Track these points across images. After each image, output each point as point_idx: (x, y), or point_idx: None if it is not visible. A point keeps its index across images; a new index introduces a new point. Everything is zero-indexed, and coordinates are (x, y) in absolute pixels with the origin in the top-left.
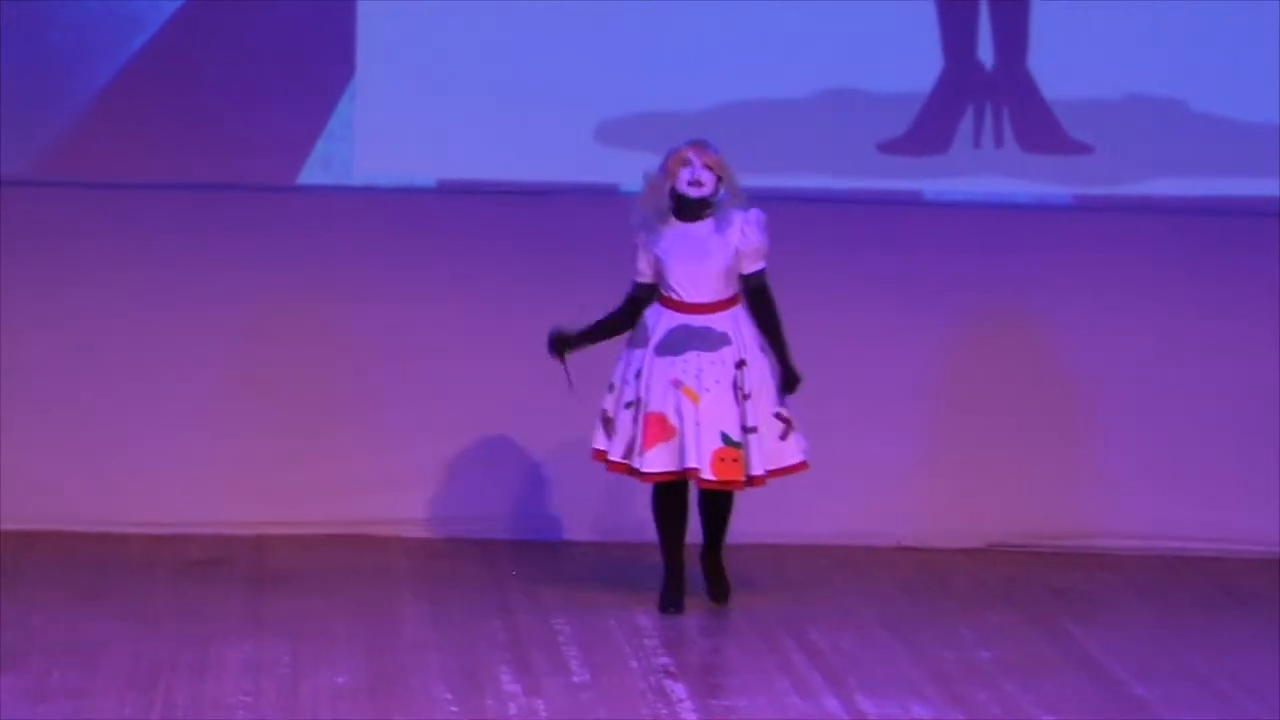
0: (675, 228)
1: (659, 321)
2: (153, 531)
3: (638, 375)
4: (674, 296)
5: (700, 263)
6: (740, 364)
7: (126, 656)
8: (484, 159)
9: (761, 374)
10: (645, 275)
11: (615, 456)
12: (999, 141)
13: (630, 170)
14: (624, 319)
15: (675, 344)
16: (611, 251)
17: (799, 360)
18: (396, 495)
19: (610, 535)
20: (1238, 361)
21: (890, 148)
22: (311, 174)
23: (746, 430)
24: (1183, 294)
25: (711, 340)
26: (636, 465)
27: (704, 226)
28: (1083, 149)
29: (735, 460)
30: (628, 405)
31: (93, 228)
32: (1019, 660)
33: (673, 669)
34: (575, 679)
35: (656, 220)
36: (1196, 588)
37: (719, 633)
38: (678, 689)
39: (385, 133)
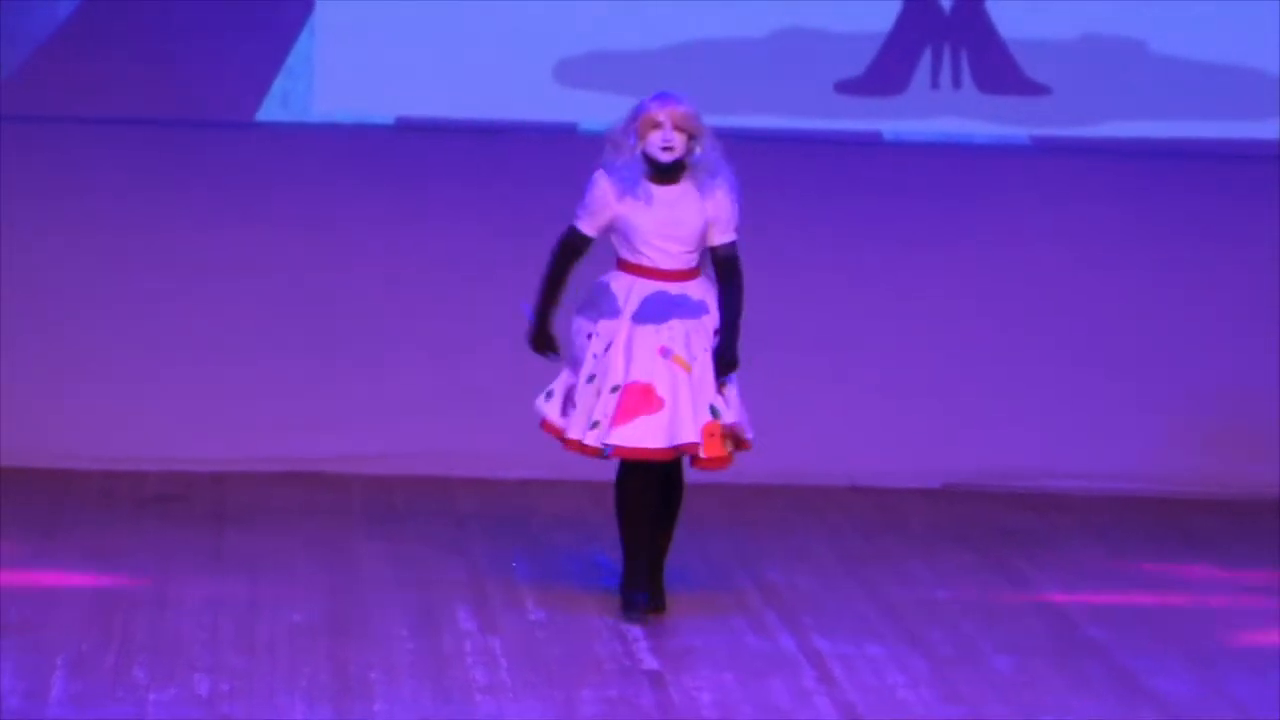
0: (646, 191)
1: (631, 290)
2: (110, 468)
3: (608, 348)
4: (644, 264)
5: (675, 229)
6: (718, 332)
7: (84, 593)
8: (443, 97)
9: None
10: (589, 229)
11: (574, 435)
12: (957, 82)
13: (588, 109)
14: (562, 266)
15: (655, 312)
16: (569, 189)
17: (760, 301)
18: (355, 432)
19: (569, 474)
20: (1191, 303)
21: (848, 88)
22: (270, 110)
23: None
24: (1139, 236)
25: (692, 307)
26: (604, 441)
27: (677, 190)
28: (1040, 90)
29: (716, 436)
30: (589, 379)
31: (47, 163)
32: (974, 600)
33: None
34: (531, 617)
35: (630, 189)
36: (1152, 529)
37: (675, 571)
38: (634, 629)
39: (344, 69)
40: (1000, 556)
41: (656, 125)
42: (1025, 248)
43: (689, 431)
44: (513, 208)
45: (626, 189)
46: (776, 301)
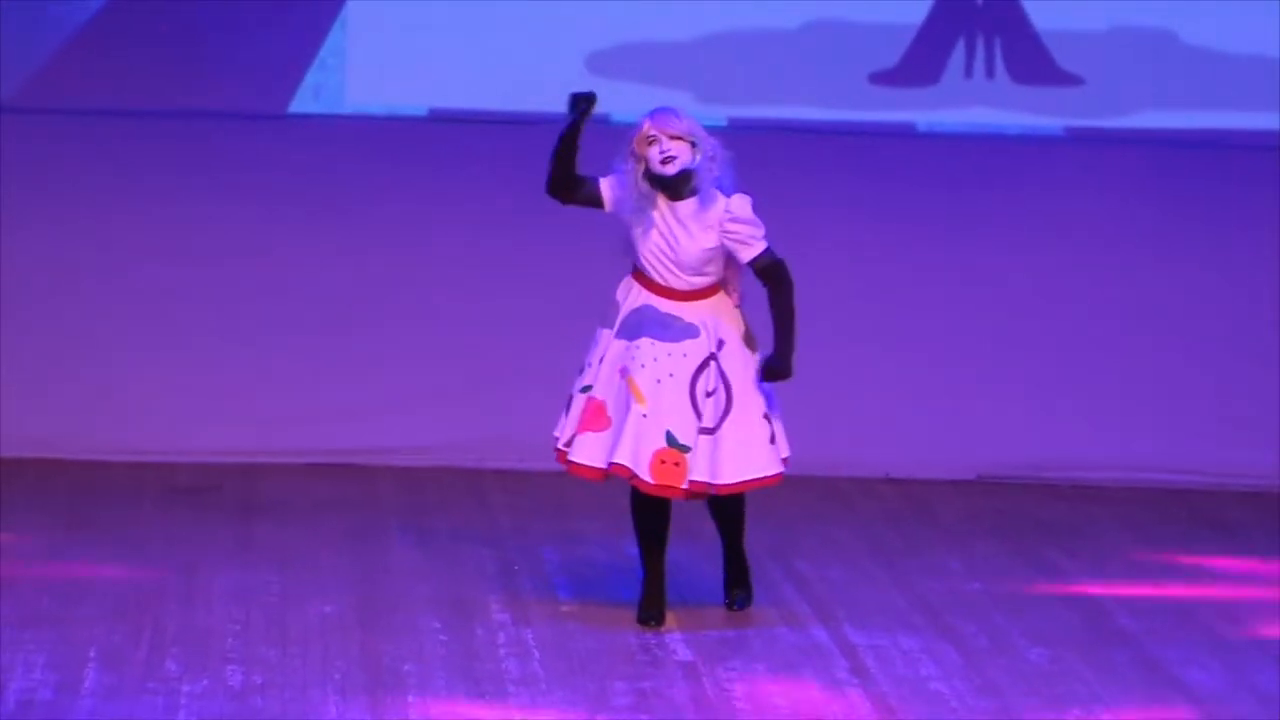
0: (649, 209)
1: (627, 298)
2: (140, 459)
3: (601, 360)
4: (647, 275)
5: (674, 246)
6: (708, 360)
7: (115, 585)
8: (475, 88)
9: (748, 370)
10: (604, 199)
11: (559, 443)
12: (990, 73)
13: (620, 100)
14: (568, 152)
15: (633, 327)
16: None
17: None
18: (385, 424)
19: None
20: (1228, 295)
21: (881, 79)
22: (302, 103)
23: (703, 431)
24: (1173, 226)
25: (673, 330)
26: (568, 454)
27: (687, 206)
28: (1074, 80)
29: (677, 465)
30: (584, 389)
31: (82, 155)
32: (1007, 592)
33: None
34: (564, 609)
35: (642, 208)
36: (1183, 520)
37: (708, 563)
38: (666, 619)
39: (377, 61)
40: (1032, 547)
41: (652, 140)
42: (1059, 238)
43: (624, 454)
44: (546, 199)
45: (624, 205)
46: (811, 292)
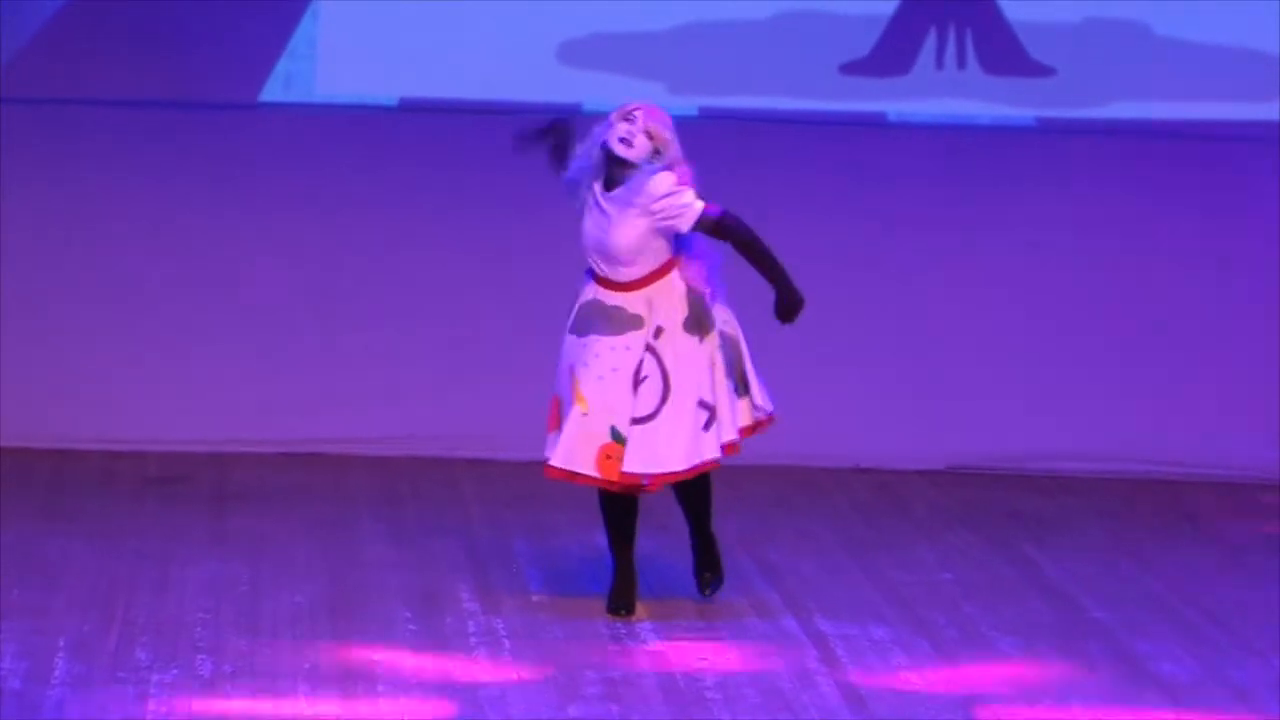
0: (595, 194)
1: (580, 295)
2: (112, 448)
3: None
4: (595, 270)
5: (607, 237)
6: (648, 347)
7: (87, 574)
8: (446, 78)
9: (689, 356)
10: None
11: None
12: (961, 63)
13: (592, 89)
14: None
15: (583, 323)
16: None
17: (764, 283)
18: (357, 414)
19: None
20: (1200, 286)
21: (852, 69)
22: (273, 92)
23: (635, 421)
24: (1145, 217)
25: (618, 322)
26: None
27: (614, 195)
28: (1045, 71)
29: (617, 460)
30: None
31: (49, 145)
32: (978, 583)
33: None
34: (534, 599)
35: (584, 179)
36: (1157, 511)
37: (678, 554)
38: (637, 609)
39: (347, 51)
40: (1004, 538)
41: (627, 118)
42: (1030, 228)
43: (559, 456)
44: (518, 188)
45: (574, 188)
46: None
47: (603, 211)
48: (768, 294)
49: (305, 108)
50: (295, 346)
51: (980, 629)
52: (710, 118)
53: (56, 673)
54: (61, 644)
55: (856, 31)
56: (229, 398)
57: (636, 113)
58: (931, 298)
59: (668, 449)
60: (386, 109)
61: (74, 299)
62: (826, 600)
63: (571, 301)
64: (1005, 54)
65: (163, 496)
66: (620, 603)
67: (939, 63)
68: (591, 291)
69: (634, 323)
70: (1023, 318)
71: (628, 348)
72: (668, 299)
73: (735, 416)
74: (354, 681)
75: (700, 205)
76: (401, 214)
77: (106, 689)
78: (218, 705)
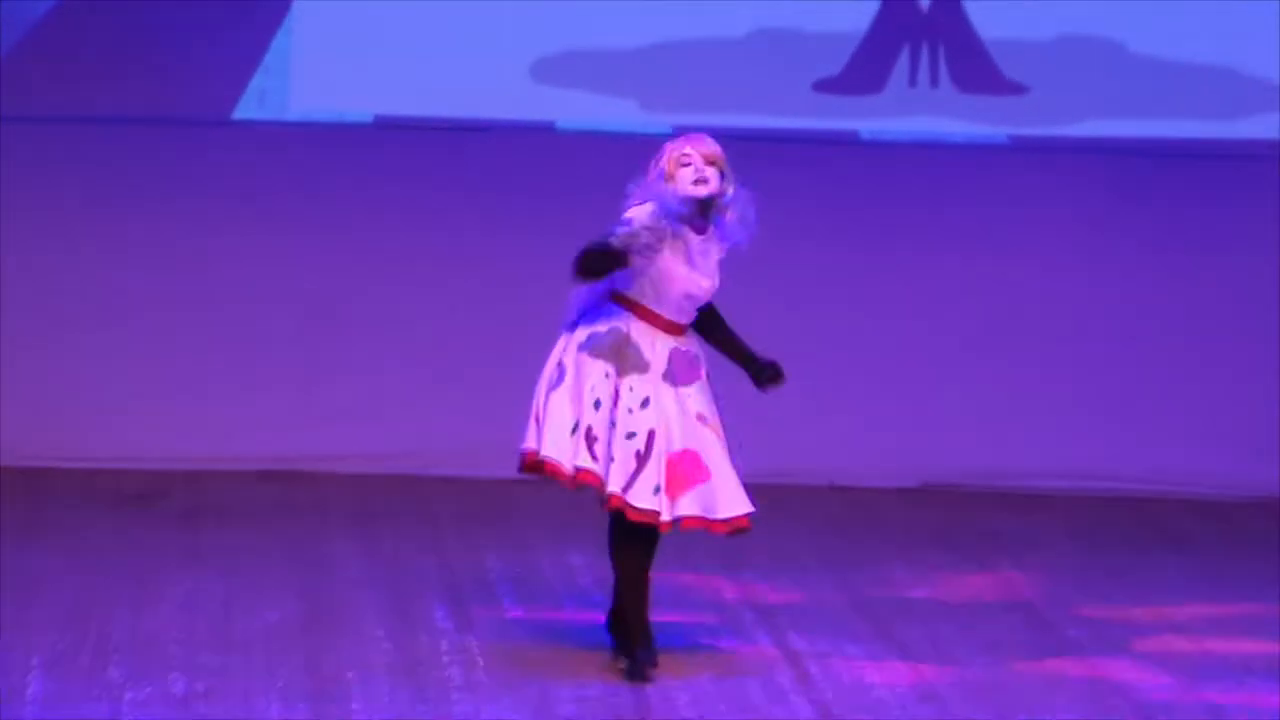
0: (687, 244)
1: (654, 345)
2: (88, 466)
3: (644, 404)
4: (651, 309)
5: (705, 280)
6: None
7: (61, 591)
8: (420, 95)
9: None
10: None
11: (615, 487)
12: (934, 81)
13: (565, 107)
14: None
15: (680, 372)
16: (545, 188)
17: (737, 301)
18: (332, 431)
19: None
20: (1174, 302)
21: (825, 87)
22: (247, 108)
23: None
24: (1118, 234)
25: (696, 365)
26: (674, 514)
27: (711, 236)
28: (1018, 89)
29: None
30: (629, 436)
31: (22, 162)
32: (951, 600)
33: (605, 605)
34: (508, 615)
35: (660, 240)
36: (1130, 528)
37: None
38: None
39: (321, 67)
40: (978, 556)
41: (686, 160)
42: (1003, 246)
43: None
44: (490, 206)
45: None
46: (754, 301)
47: (700, 254)
48: (737, 316)
49: (279, 125)
50: (271, 364)
51: (954, 646)
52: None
53: (30, 690)
54: (35, 662)
55: (829, 49)
56: (204, 415)
57: (689, 152)
58: (904, 315)
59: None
60: (361, 126)
61: (49, 316)
62: (800, 617)
63: (597, 335)
64: (979, 72)
65: (138, 514)
66: (640, 659)
67: (912, 80)
68: (669, 342)
69: (699, 360)
70: (996, 335)
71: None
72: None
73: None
74: (327, 700)
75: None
76: (376, 231)
77: (80, 707)
78: None
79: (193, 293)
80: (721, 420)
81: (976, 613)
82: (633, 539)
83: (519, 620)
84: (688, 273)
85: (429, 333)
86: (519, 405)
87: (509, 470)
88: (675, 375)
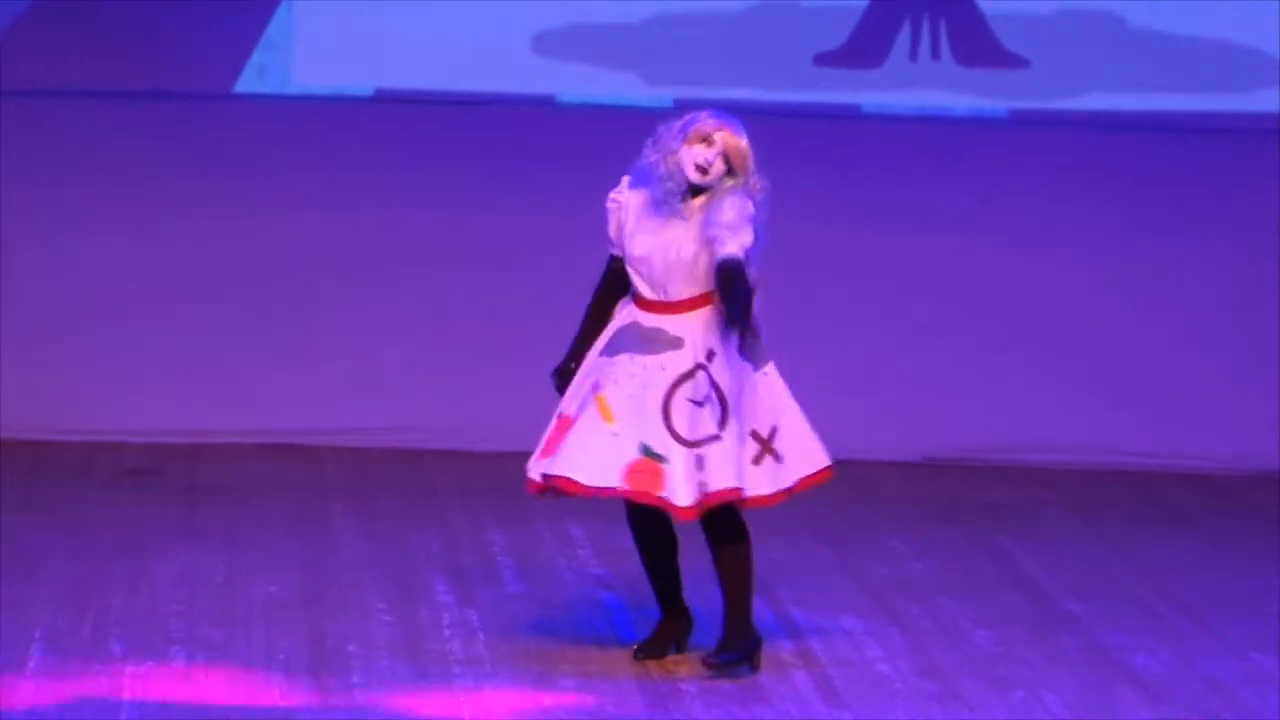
0: (675, 209)
1: (615, 319)
2: (87, 439)
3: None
4: (638, 291)
5: (677, 250)
6: (694, 370)
7: (61, 565)
8: (422, 68)
9: (739, 383)
10: (614, 247)
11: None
12: (936, 54)
13: (566, 81)
14: (606, 299)
15: (614, 345)
16: (548, 161)
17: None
18: (332, 404)
19: None
20: (1173, 277)
21: (826, 60)
22: (248, 82)
23: (689, 444)
24: (1118, 208)
25: (655, 342)
26: (541, 472)
27: (695, 208)
28: (1019, 63)
29: (655, 474)
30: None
31: (22, 136)
32: (952, 574)
33: (606, 580)
34: (509, 590)
35: (662, 207)
36: (1130, 503)
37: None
38: (611, 600)
39: (322, 41)
40: (978, 530)
41: (705, 140)
42: (1003, 220)
43: (586, 470)
44: (491, 180)
45: (652, 206)
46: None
47: (681, 221)
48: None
49: (280, 99)
50: (269, 337)
51: (954, 621)
52: (685, 109)
53: (31, 664)
54: (36, 635)
55: (830, 23)
56: (205, 389)
57: (716, 135)
58: (904, 290)
59: (720, 470)
60: (362, 100)
61: (48, 291)
62: (800, 592)
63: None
64: (979, 46)
65: (137, 487)
66: (650, 650)
67: (913, 54)
68: (629, 315)
69: (673, 344)
70: (996, 308)
71: (662, 368)
72: (715, 324)
73: (797, 463)
74: (328, 673)
75: (741, 252)
76: (376, 205)
77: (81, 680)
78: (192, 696)
79: (192, 267)
80: (669, 398)
81: (975, 587)
82: (629, 514)
83: (520, 594)
84: (659, 240)
85: (428, 306)
86: (519, 379)
87: (508, 443)
88: (608, 348)
